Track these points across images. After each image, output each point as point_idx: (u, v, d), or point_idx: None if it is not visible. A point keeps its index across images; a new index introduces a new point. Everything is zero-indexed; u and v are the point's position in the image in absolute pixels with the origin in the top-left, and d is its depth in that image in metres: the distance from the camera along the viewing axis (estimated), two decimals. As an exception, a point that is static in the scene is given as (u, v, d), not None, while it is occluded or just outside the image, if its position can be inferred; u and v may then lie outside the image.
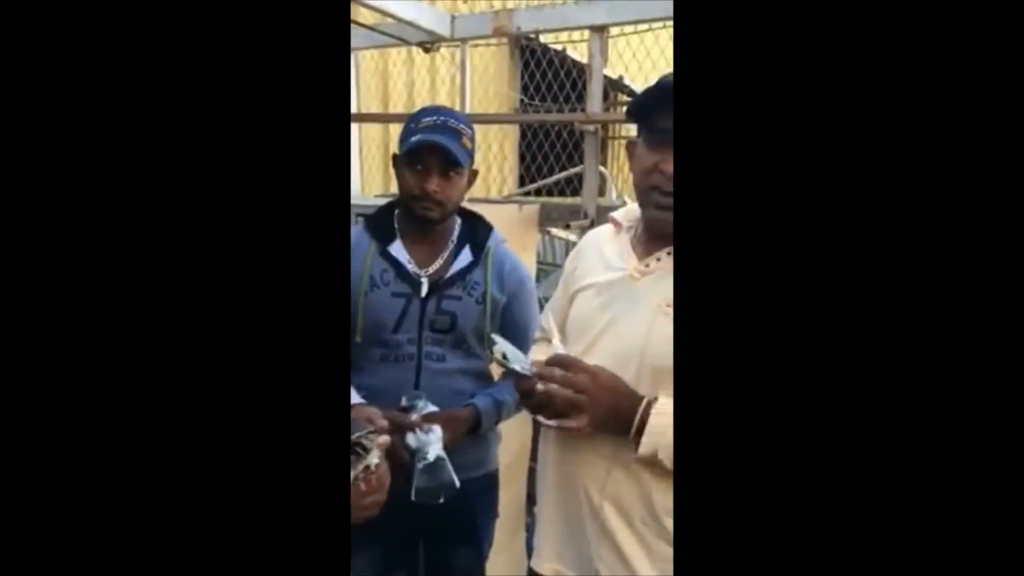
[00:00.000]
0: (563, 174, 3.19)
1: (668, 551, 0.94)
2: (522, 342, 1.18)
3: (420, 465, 1.18)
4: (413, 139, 1.32)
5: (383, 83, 4.18)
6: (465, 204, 1.48)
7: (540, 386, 0.92)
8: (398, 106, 4.16)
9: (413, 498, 1.17)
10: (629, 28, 2.90)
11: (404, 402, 1.27)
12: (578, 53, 3.74)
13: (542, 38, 3.52)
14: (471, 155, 1.38)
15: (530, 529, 1.26)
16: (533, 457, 1.38)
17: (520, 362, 0.97)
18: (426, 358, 1.38)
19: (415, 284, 1.38)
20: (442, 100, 3.99)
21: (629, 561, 0.96)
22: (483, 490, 1.49)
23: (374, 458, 0.85)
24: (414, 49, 2.81)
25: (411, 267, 1.40)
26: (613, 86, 4.17)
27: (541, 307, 1.41)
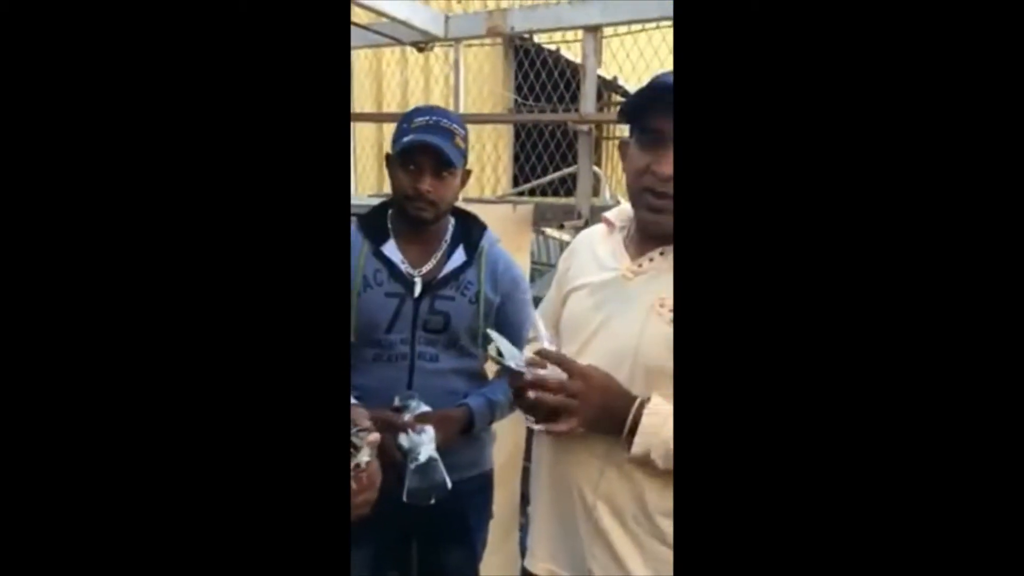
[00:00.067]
0: (557, 174, 3.20)
1: (661, 550, 0.94)
2: (516, 342, 1.18)
3: (412, 466, 1.18)
4: (406, 139, 1.32)
5: (377, 82, 4.18)
6: (459, 204, 1.48)
7: (532, 394, 0.92)
8: (392, 105, 4.16)
9: (405, 499, 1.16)
10: (623, 28, 2.90)
11: (397, 402, 1.27)
12: (572, 53, 3.75)
13: (536, 38, 3.53)
14: (464, 155, 1.38)
15: (524, 529, 1.26)
16: (527, 457, 1.38)
17: (515, 359, 0.97)
18: (419, 358, 1.38)
19: (408, 284, 1.38)
20: (436, 100, 3.99)
21: (622, 560, 0.96)
22: (477, 490, 1.49)
23: (364, 456, 0.85)
24: (408, 49, 2.81)
25: (404, 267, 1.40)
26: (607, 86, 4.17)
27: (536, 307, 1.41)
